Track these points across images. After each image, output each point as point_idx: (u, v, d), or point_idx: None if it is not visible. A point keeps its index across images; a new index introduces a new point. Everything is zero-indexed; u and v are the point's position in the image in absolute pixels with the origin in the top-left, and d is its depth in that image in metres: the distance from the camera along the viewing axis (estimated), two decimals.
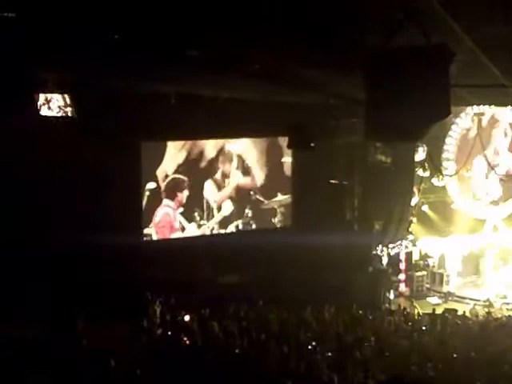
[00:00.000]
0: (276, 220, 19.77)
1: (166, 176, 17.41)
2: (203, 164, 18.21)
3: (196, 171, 18.10)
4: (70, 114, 11.66)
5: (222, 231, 18.71)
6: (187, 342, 11.79)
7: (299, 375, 9.79)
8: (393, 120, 5.55)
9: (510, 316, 18.21)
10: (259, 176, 19.23)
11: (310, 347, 11.95)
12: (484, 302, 20.16)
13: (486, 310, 18.96)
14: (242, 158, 18.83)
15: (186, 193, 17.81)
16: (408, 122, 5.64)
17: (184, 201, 17.86)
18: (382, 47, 5.35)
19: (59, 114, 11.56)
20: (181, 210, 17.84)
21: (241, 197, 19.00)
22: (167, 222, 17.68)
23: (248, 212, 19.10)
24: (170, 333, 12.67)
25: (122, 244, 14.09)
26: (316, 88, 12.37)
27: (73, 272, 13.94)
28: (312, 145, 14.09)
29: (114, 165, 14.92)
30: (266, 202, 19.36)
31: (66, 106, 11.42)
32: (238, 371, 9.62)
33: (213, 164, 18.42)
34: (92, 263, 14.06)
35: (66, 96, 11.53)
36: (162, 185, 17.36)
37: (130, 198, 16.09)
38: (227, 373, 9.37)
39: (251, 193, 19.13)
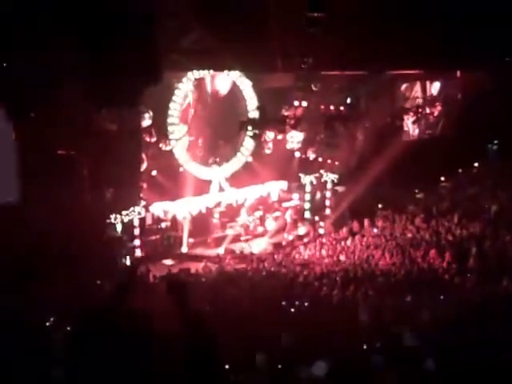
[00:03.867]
0: None
1: None
2: None
3: None
4: None
5: None
6: None
7: None
8: (111, 85, 5.55)
9: (238, 269, 19.61)
10: None
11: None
12: (214, 258, 21.42)
13: (217, 265, 20.20)
14: None
15: None
16: (124, 87, 5.69)
17: None
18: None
19: None
20: None
21: None
22: None
23: None
24: None
25: None
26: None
27: None
28: (32, 115, 13.43)
29: None
30: None
31: None
32: None
33: None
34: None
35: None
36: None
37: None
38: None
39: None
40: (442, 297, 12.59)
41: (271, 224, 24.29)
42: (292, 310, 12.46)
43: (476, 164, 27.00)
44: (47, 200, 17.06)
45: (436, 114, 28.67)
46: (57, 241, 17.07)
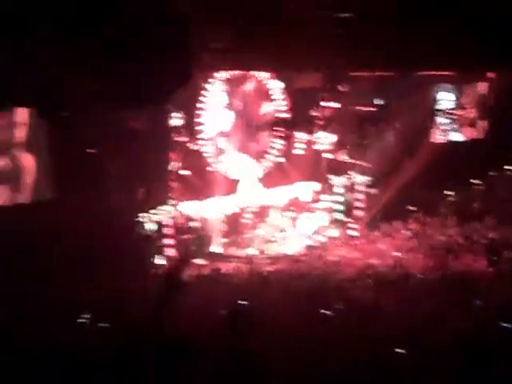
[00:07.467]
0: None
1: None
2: None
3: None
4: None
5: None
6: None
7: None
8: (141, 85, 5.51)
9: (270, 270, 19.45)
10: None
11: None
12: (245, 258, 21.29)
13: (249, 266, 20.08)
14: None
15: None
16: (154, 87, 5.66)
17: None
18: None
19: None
20: None
21: None
22: None
23: None
24: None
25: None
26: None
27: None
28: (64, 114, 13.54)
29: None
30: None
31: None
32: None
33: None
34: None
35: None
36: None
37: None
38: None
39: None
40: (478, 301, 12.33)
41: (308, 225, 23.92)
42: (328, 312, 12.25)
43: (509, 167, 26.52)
44: (80, 197, 17.16)
45: (468, 116, 28.19)
46: (87, 241, 17.15)
